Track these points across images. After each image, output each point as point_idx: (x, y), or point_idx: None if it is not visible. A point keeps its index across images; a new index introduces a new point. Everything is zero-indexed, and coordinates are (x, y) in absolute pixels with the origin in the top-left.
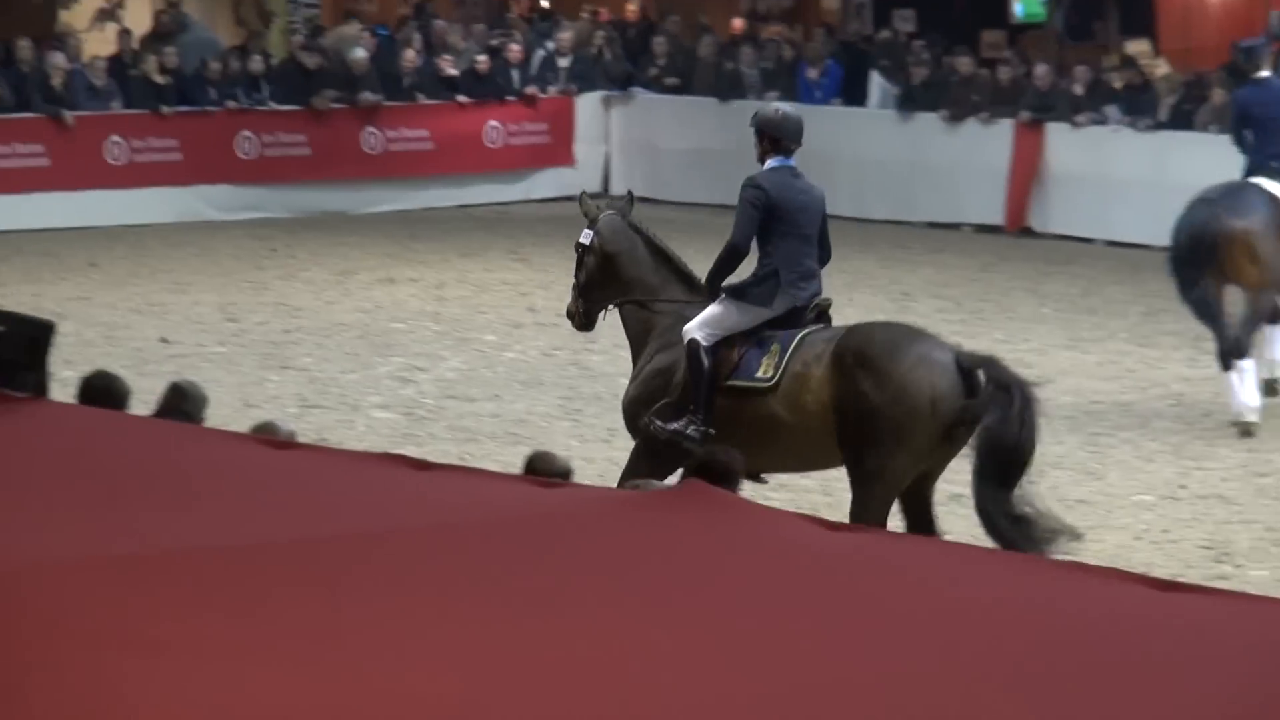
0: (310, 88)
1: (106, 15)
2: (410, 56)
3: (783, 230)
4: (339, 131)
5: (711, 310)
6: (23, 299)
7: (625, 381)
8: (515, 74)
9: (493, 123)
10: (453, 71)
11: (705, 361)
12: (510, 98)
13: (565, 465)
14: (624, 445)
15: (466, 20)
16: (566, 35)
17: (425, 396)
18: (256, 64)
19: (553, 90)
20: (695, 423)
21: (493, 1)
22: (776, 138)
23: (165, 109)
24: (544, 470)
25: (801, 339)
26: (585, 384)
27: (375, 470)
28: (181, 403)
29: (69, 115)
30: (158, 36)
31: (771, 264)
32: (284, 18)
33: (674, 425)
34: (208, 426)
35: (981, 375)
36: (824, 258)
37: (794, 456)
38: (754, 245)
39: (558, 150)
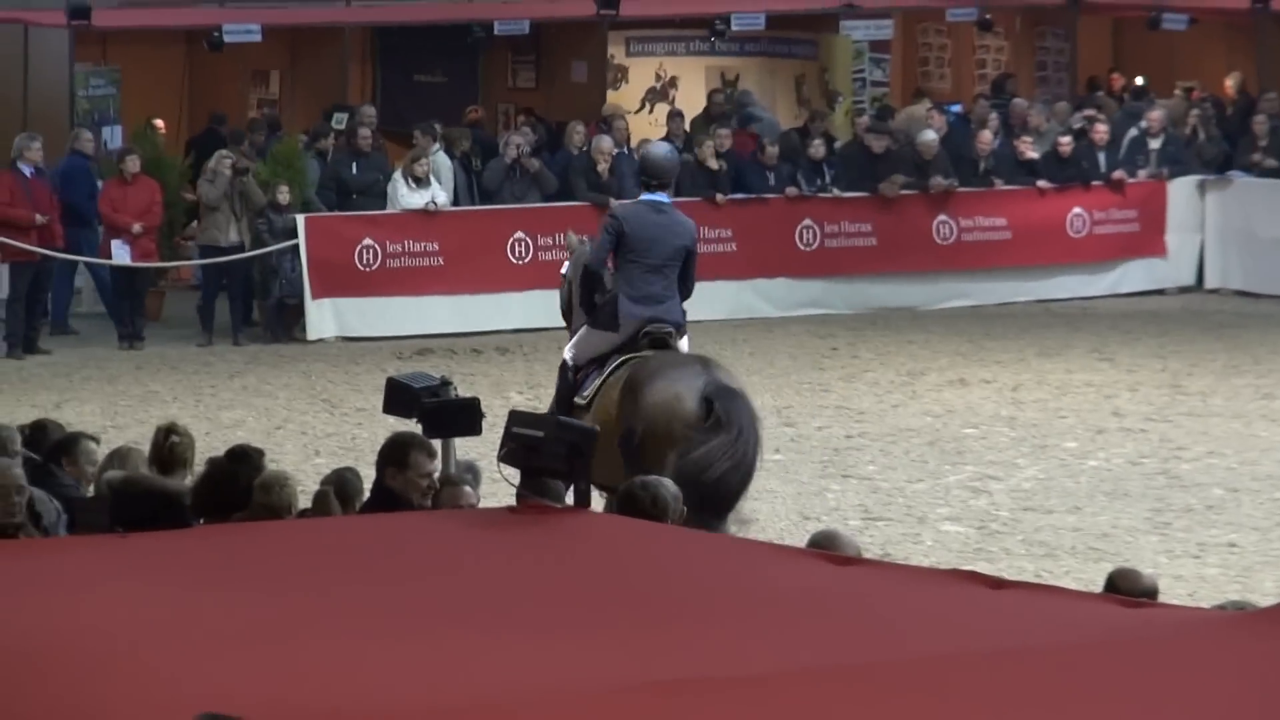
0: (877, 173)
1: (657, 96)
2: (986, 138)
3: (630, 258)
4: (908, 220)
5: (578, 334)
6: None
7: (1220, 492)
8: (1101, 156)
9: (1077, 210)
10: (1033, 154)
11: (563, 379)
12: (1096, 183)
13: (1151, 583)
14: (1217, 562)
15: (1048, 98)
16: (1157, 115)
17: (999, 508)
18: (818, 147)
19: (1142, 174)
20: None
21: (1078, 77)
22: (647, 175)
23: (720, 197)
24: (1128, 589)
25: (622, 363)
26: (1175, 494)
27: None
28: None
29: (615, 204)
30: (712, 118)
31: (615, 290)
32: (849, 97)
33: None
34: (761, 541)
35: (716, 407)
36: (684, 291)
37: (604, 470)
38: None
39: (1148, 240)
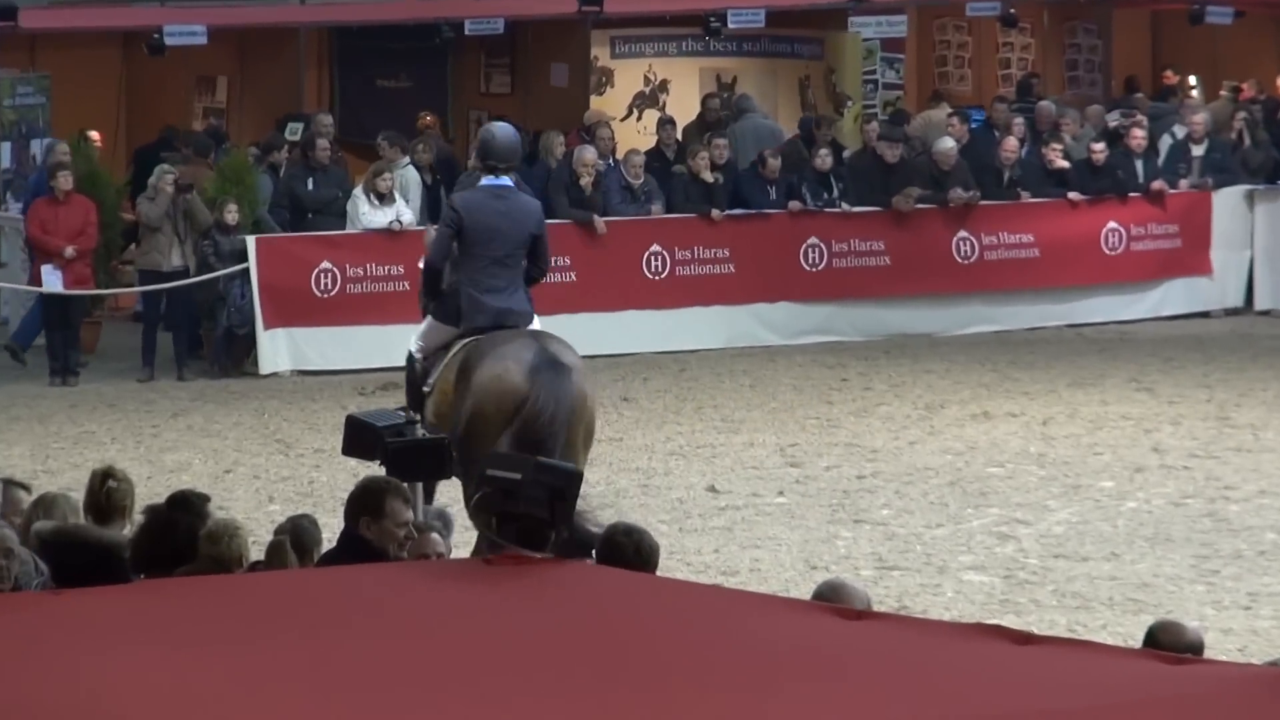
0: (890, 185)
1: (646, 101)
2: (1011, 145)
3: (472, 251)
4: (925, 237)
5: (421, 326)
6: None
7: (1274, 536)
8: (1139, 165)
9: (1112, 224)
10: (1063, 163)
11: (410, 371)
12: (1133, 194)
13: (1196, 637)
14: (1270, 613)
15: (1079, 101)
16: (1200, 119)
17: (1028, 555)
18: (825, 157)
19: (1184, 184)
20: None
21: (1112, 77)
22: (484, 157)
23: (716, 213)
24: (1171, 644)
25: (461, 347)
26: (1222, 539)
27: (968, 644)
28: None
29: (600, 222)
30: (707, 125)
31: (457, 283)
32: (859, 101)
33: None
34: (764, 594)
35: (536, 388)
36: (534, 274)
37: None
38: None
39: (1190, 257)
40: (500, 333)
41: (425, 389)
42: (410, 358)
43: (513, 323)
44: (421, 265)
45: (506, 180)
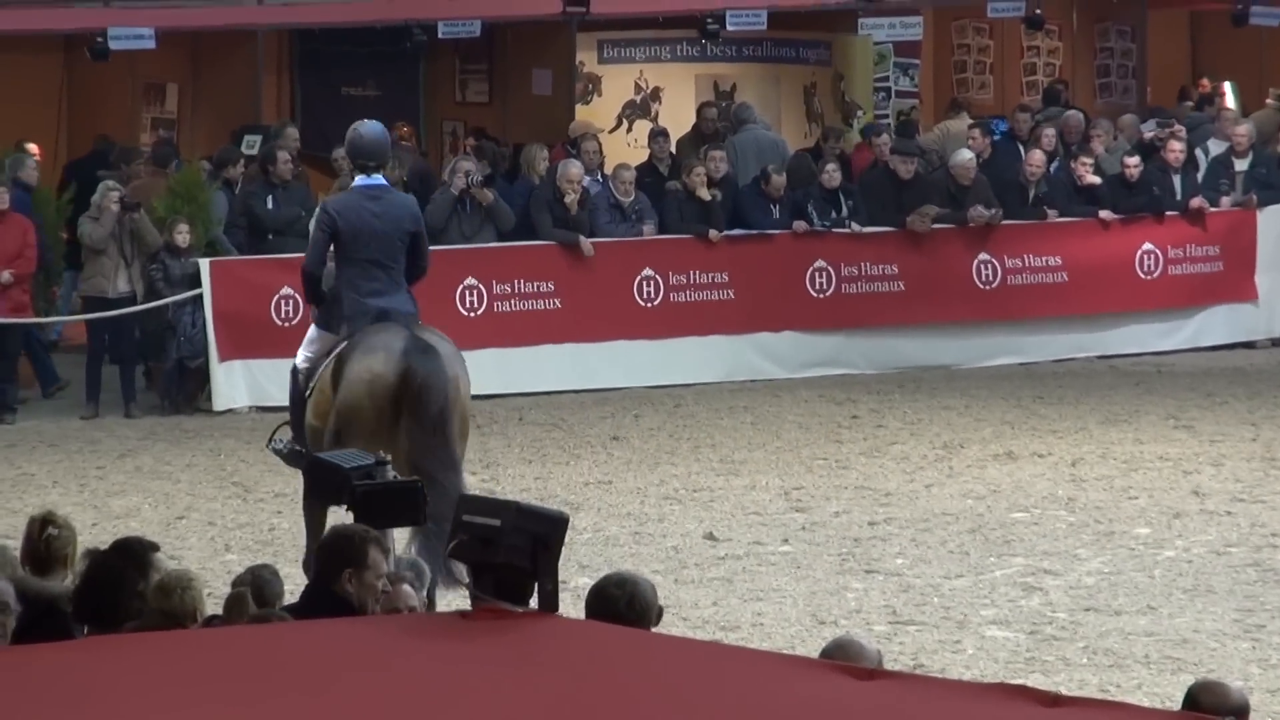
0: (905, 203)
1: (637, 111)
2: (1036, 159)
3: (348, 255)
4: (942, 260)
5: (307, 335)
6: (524, 484)
7: None
8: (1177, 181)
9: (1147, 246)
10: (1094, 179)
11: (293, 384)
12: (1171, 213)
13: (1241, 699)
14: None
15: (1112, 110)
16: (1244, 130)
17: (1056, 609)
18: (834, 173)
19: (1227, 202)
20: (292, 440)
21: (1147, 84)
22: (354, 157)
23: (714, 233)
24: (1213, 705)
25: (338, 349)
26: (1269, 591)
27: (990, 707)
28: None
29: (587, 243)
30: (703, 137)
31: (337, 288)
32: (871, 111)
33: (281, 444)
34: (765, 651)
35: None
36: (415, 272)
37: None
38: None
39: (1233, 281)
40: (373, 325)
41: (307, 394)
42: (294, 370)
43: (395, 322)
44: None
45: (379, 179)
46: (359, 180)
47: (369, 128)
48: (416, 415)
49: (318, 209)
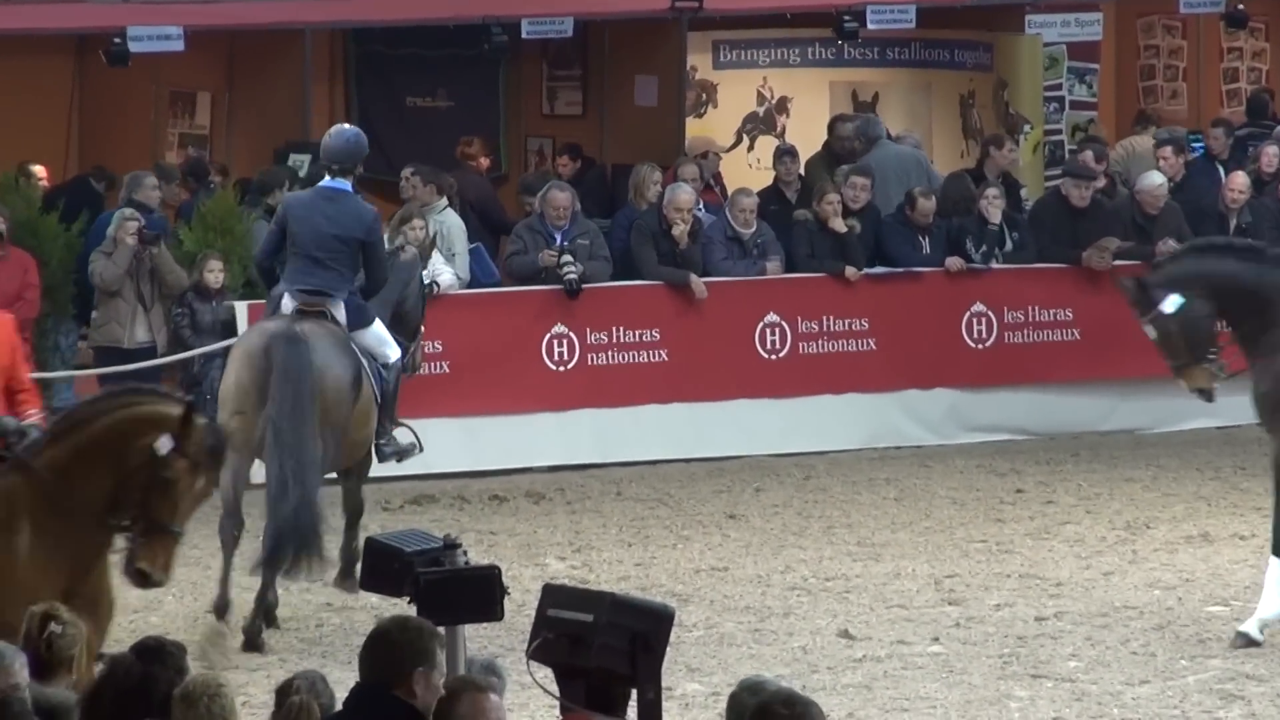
0: (1081, 235)
1: (760, 125)
2: (1239, 183)
3: (293, 251)
4: (1125, 304)
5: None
6: (623, 570)
7: None
8: None
9: None
10: None
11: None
12: None
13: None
14: None
15: None
16: None
17: None
18: (996, 199)
19: None
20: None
21: None
22: (323, 159)
23: (851, 271)
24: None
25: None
26: None
27: None
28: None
29: (699, 283)
30: (837, 157)
31: (281, 283)
32: (1040, 125)
33: None
34: None
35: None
36: (366, 286)
37: None
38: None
39: None
40: (271, 315)
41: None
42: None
43: (314, 304)
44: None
45: (344, 184)
46: (324, 181)
47: (340, 131)
48: (274, 400)
49: (280, 206)
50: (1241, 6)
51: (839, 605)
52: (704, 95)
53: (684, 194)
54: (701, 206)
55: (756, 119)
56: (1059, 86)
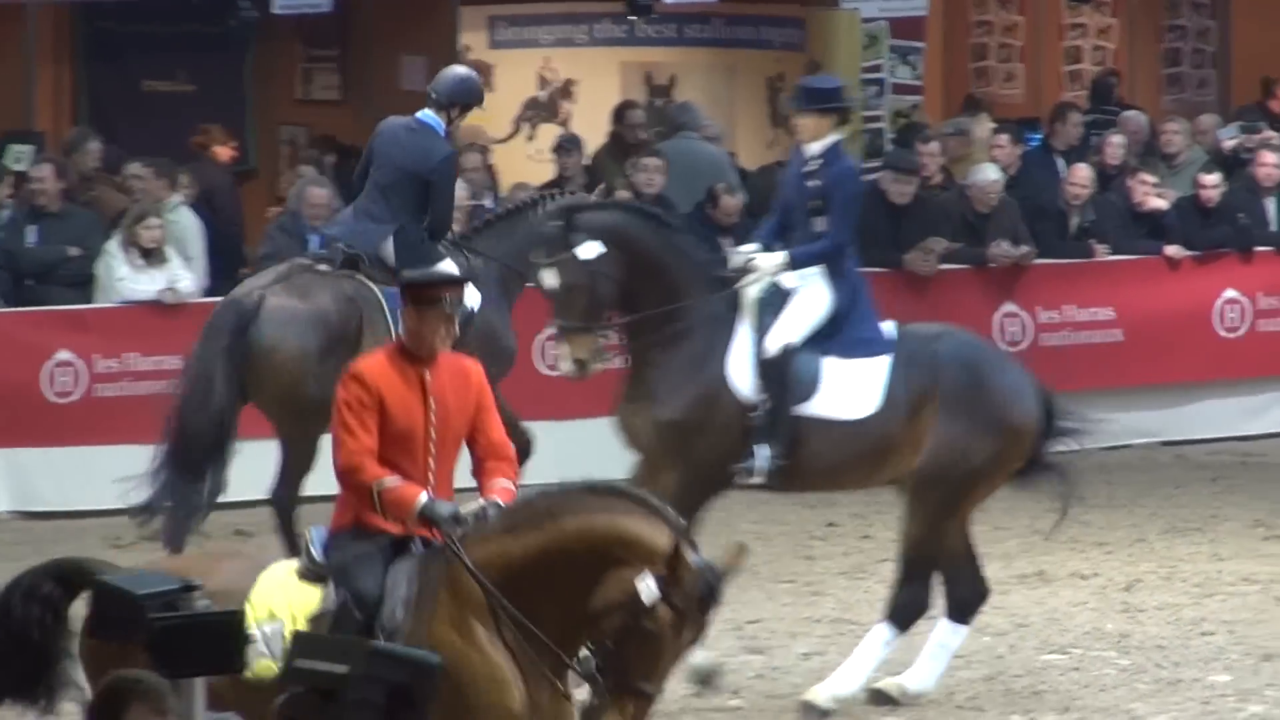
0: (901, 235)
1: (541, 112)
2: (1082, 176)
3: (369, 174)
4: (954, 309)
5: None
6: None
7: None
8: (1272, 205)
9: (1229, 293)
10: (1158, 203)
11: None
12: (1262, 248)
13: None
14: None
15: (1183, 111)
16: None
17: None
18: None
19: None
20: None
21: (1232, 78)
22: (431, 92)
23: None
24: None
25: None
26: None
27: None
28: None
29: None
30: (627, 148)
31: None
32: (857, 113)
33: None
34: None
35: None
36: (430, 225)
37: None
38: None
39: None
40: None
41: None
42: None
43: (351, 250)
44: None
45: (431, 118)
46: (424, 111)
47: (455, 69)
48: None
49: None
50: None
51: None
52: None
53: (458, 191)
54: (494, 202)
55: (538, 105)
56: (879, 68)
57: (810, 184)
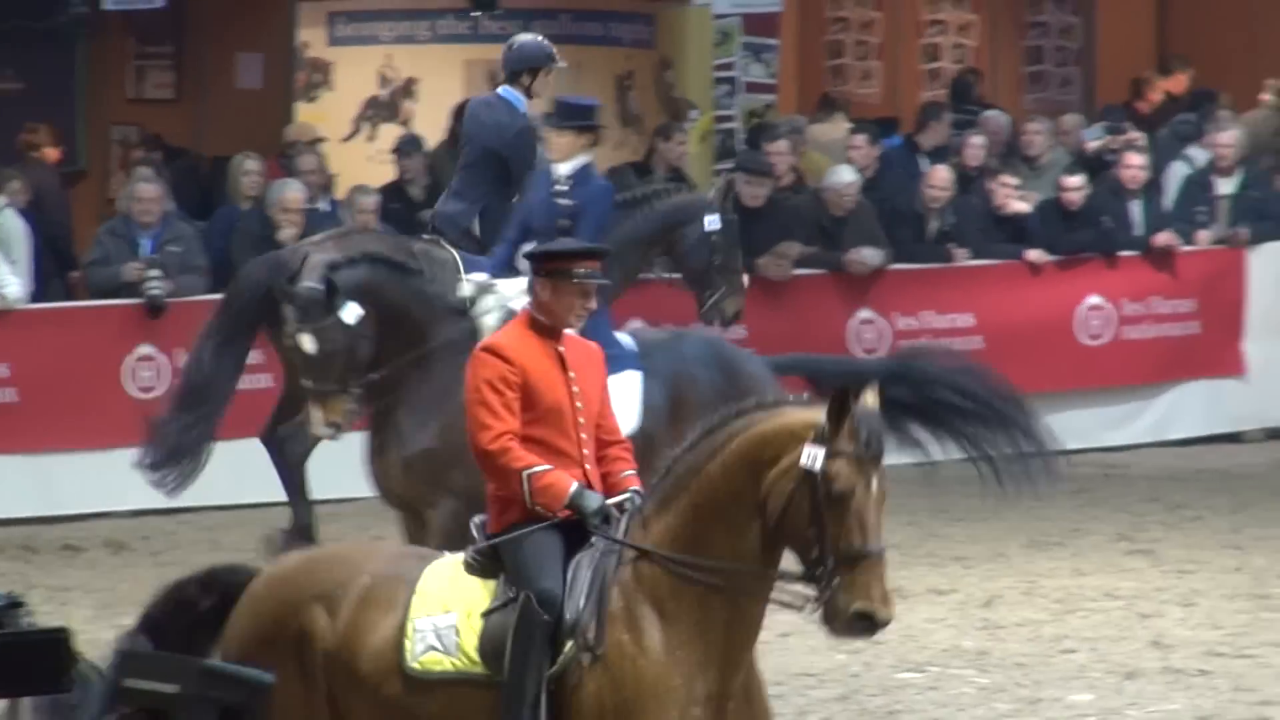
0: (755, 239)
1: (382, 111)
2: (940, 178)
3: (460, 155)
4: (809, 316)
5: None
6: None
7: None
8: (1136, 208)
9: (1093, 300)
10: (1020, 205)
11: None
12: (1127, 252)
13: None
14: None
15: (1047, 110)
16: (1229, 137)
17: None
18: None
19: (1205, 237)
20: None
21: (1097, 77)
22: (510, 65)
23: None
24: None
25: None
26: None
27: None
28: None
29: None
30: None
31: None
32: (709, 111)
33: None
34: None
35: None
36: (505, 194)
37: None
38: None
39: (1213, 349)
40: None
41: None
42: None
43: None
44: None
45: (508, 92)
46: (503, 86)
47: (515, 38)
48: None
49: None
50: None
51: None
52: (317, 76)
53: (291, 191)
54: (331, 204)
55: (378, 104)
56: (731, 66)
57: (561, 202)
